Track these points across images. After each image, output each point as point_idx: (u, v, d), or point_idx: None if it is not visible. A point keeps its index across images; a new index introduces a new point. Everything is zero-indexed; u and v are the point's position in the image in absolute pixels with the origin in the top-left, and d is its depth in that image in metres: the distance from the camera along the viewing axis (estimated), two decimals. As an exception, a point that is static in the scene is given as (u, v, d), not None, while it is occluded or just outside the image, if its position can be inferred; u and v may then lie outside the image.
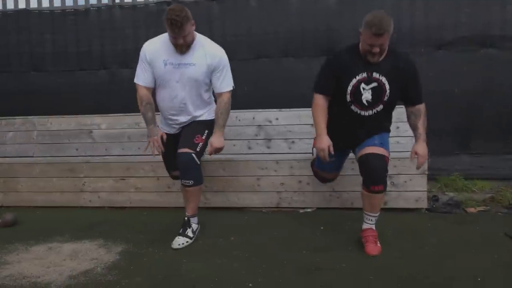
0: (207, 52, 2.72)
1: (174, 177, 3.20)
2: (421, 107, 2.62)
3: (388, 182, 3.32)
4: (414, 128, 2.65)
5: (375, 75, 2.47)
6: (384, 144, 2.60)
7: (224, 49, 4.57)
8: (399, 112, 3.82)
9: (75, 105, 4.74)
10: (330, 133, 2.58)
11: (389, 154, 2.62)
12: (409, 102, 2.64)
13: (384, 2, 4.33)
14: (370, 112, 2.56)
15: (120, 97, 4.69)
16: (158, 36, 2.82)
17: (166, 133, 2.92)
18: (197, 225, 2.86)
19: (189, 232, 2.77)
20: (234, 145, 4.09)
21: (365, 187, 2.54)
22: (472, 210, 3.39)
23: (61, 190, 3.82)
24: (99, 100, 4.75)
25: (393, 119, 3.82)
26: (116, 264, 2.42)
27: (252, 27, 4.52)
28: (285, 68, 4.41)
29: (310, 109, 2.67)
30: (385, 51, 2.44)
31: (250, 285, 2.08)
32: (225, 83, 2.79)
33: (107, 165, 3.78)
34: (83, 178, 3.79)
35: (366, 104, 2.53)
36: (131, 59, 4.69)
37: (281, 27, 4.48)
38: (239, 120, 4.12)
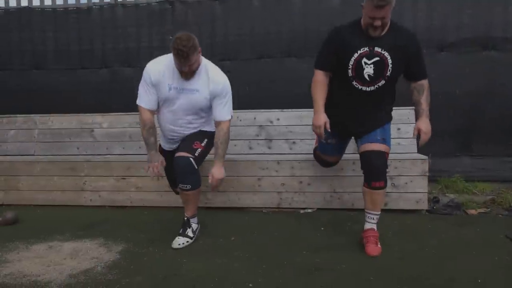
0: (211, 78, 2.68)
1: (178, 193, 3.11)
2: (424, 82, 2.57)
3: (389, 183, 3.34)
4: (416, 103, 2.60)
5: (377, 49, 2.44)
6: (386, 139, 2.59)
7: (227, 49, 4.61)
8: (400, 113, 3.85)
9: (77, 103, 4.75)
10: (332, 113, 2.58)
11: (390, 146, 2.62)
12: (412, 77, 2.59)
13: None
14: (372, 88, 2.52)
15: (122, 96, 4.70)
16: (162, 57, 2.74)
17: (167, 150, 2.97)
18: (197, 225, 2.86)
19: (189, 232, 2.77)
20: (235, 145, 4.09)
21: (367, 183, 2.57)
22: (472, 212, 3.40)
23: (62, 189, 3.82)
24: (100, 99, 4.75)
25: (395, 121, 3.83)
26: (116, 263, 2.42)
27: (254, 27, 4.52)
28: (288, 68, 4.41)
29: (312, 110, 2.66)
30: (387, 25, 2.40)
31: (251, 285, 2.08)
32: (225, 111, 2.74)
33: (108, 164, 3.78)
34: (84, 177, 3.79)
35: (368, 79, 2.49)
36: (133, 58, 4.72)
37: (284, 27, 4.48)
38: (240, 120, 4.12)
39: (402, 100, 4.09)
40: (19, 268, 2.36)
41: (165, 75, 2.66)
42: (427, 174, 3.37)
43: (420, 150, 3.80)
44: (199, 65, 2.64)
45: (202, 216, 3.01)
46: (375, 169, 2.51)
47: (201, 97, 2.69)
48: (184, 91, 2.68)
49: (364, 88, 2.52)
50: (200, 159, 2.77)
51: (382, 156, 2.52)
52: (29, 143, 4.49)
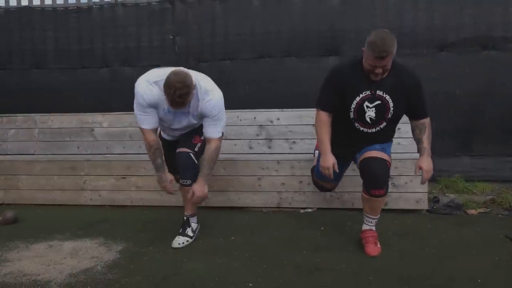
0: (201, 101, 2.58)
1: (178, 180, 3.08)
2: (426, 121, 2.55)
3: (389, 183, 3.33)
4: (418, 142, 2.59)
5: (379, 92, 2.42)
6: (386, 150, 2.56)
7: (227, 48, 4.59)
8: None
9: (77, 103, 4.74)
10: (333, 144, 2.55)
11: (391, 160, 2.59)
12: (414, 116, 2.57)
13: (387, 2, 4.33)
14: (374, 130, 2.53)
15: (122, 95, 4.67)
16: (153, 80, 2.55)
17: (166, 139, 2.98)
18: (196, 224, 2.86)
19: (189, 231, 2.77)
20: (235, 144, 4.09)
21: (366, 190, 2.52)
22: (472, 212, 3.39)
23: (62, 188, 3.82)
24: (100, 98, 4.75)
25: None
26: (116, 262, 2.42)
27: (255, 27, 4.51)
28: (288, 68, 4.40)
29: (312, 109, 2.67)
30: (387, 71, 2.38)
31: (251, 285, 2.08)
32: (215, 130, 2.64)
33: (108, 163, 3.78)
34: (84, 177, 3.79)
35: (369, 122, 2.50)
36: (133, 58, 4.72)
37: (284, 26, 4.47)
38: (240, 119, 4.12)
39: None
40: (19, 267, 2.36)
41: (160, 100, 2.54)
42: (427, 174, 3.37)
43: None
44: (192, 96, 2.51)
45: (202, 216, 3.01)
46: (374, 176, 2.46)
47: (194, 117, 2.69)
48: (177, 113, 2.64)
49: (365, 130, 2.54)
50: (200, 153, 2.75)
51: (383, 164, 2.46)
52: (29, 143, 4.49)
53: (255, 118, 4.13)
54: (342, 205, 3.44)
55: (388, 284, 2.07)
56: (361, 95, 2.44)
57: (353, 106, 2.46)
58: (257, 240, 2.79)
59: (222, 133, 2.70)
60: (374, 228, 2.63)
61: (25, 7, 4.94)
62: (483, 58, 4.22)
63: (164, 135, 3.03)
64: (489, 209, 3.46)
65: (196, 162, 2.73)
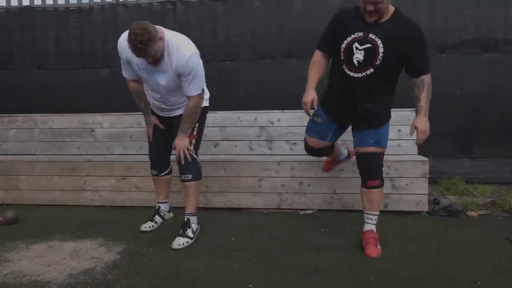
0: (174, 59, 2.56)
1: (155, 174, 3.09)
2: (426, 78, 2.45)
3: (390, 185, 3.36)
4: (416, 100, 2.48)
5: (371, 36, 2.37)
6: (380, 141, 2.58)
7: (228, 49, 4.59)
8: (401, 115, 3.86)
9: (77, 103, 4.75)
10: (329, 96, 2.68)
11: (386, 146, 2.62)
12: (412, 72, 2.47)
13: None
14: (360, 75, 2.45)
15: (123, 95, 4.64)
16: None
17: (159, 115, 2.98)
18: (197, 225, 2.87)
19: (189, 232, 2.78)
20: (235, 145, 4.10)
21: (363, 183, 2.64)
22: (473, 214, 3.39)
23: (62, 189, 3.82)
24: (101, 99, 4.75)
25: (395, 122, 3.85)
26: (116, 263, 2.42)
27: (256, 28, 4.52)
28: (289, 69, 4.39)
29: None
30: (382, 11, 2.32)
31: (251, 286, 2.08)
32: (192, 87, 2.62)
33: (108, 164, 3.79)
34: (84, 177, 3.79)
35: (356, 65, 2.43)
36: (134, 58, 4.71)
37: (285, 27, 4.48)
38: (241, 121, 4.12)
39: (402, 102, 4.12)
40: (19, 268, 2.37)
41: (133, 55, 2.51)
42: (428, 175, 3.37)
43: (421, 151, 3.81)
44: (162, 52, 2.53)
45: (202, 217, 3.01)
46: (369, 169, 2.58)
47: (170, 78, 2.64)
48: (153, 73, 2.64)
49: (352, 74, 2.47)
50: (197, 146, 2.85)
51: (376, 156, 2.57)
52: (30, 143, 4.49)
53: (255, 119, 4.13)
54: (342, 206, 3.44)
55: (388, 285, 2.07)
56: (352, 36, 2.41)
57: (343, 46, 2.45)
58: (257, 241, 2.79)
59: (202, 89, 2.70)
60: (374, 229, 2.64)
61: (26, 7, 4.94)
62: (484, 60, 4.23)
63: (155, 110, 3.00)
64: (489, 211, 3.46)
65: (195, 157, 2.80)
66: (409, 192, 3.38)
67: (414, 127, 2.46)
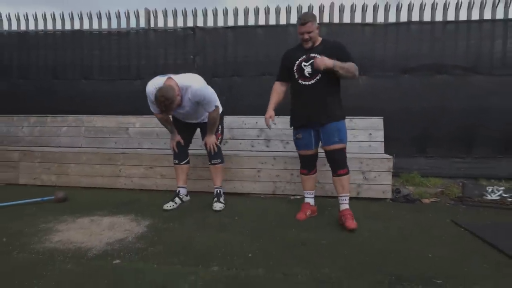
0: (190, 96, 2.77)
1: (175, 154, 3.13)
2: (351, 63, 2.59)
3: (362, 177, 3.35)
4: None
5: (312, 54, 2.62)
6: (343, 139, 2.65)
7: (235, 68, 4.58)
8: (372, 122, 3.83)
9: (115, 107, 4.73)
10: (294, 111, 2.80)
11: (346, 141, 2.70)
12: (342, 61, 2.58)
13: (363, 35, 4.33)
14: (313, 81, 2.64)
15: (151, 102, 4.68)
16: (155, 87, 2.77)
17: (181, 121, 3.10)
18: (222, 196, 3.12)
19: (222, 199, 3.02)
20: (240, 143, 4.08)
21: (333, 173, 2.70)
22: (426, 201, 3.38)
23: (102, 175, 3.80)
24: (134, 104, 4.72)
25: (367, 128, 3.84)
26: (144, 234, 2.40)
27: (258, 51, 4.50)
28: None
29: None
30: (315, 39, 2.62)
31: (250, 255, 2.07)
32: (209, 107, 2.85)
33: (139, 156, 3.76)
34: (119, 166, 3.77)
35: (307, 75, 2.64)
36: (161, 72, 4.62)
37: (281, 51, 4.32)
38: (245, 124, 4.10)
39: (372, 113, 4.12)
40: (67, 236, 2.35)
41: None
42: (392, 170, 3.36)
43: (387, 151, 3.80)
44: (180, 99, 2.75)
45: (212, 200, 2.99)
46: (337, 162, 2.66)
47: (192, 106, 2.85)
48: (180, 108, 2.83)
49: (306, 83, 2.65)
50: (221, 140, 3.15)
51: (341, 151, 2.66)
52: (77, 138, 4.47)
53: (256, 122, 4.11)
54: (324, 193, 3.42)
55: (359, 256, 2.05)
56: (299, 59, 2.67)
57: (294, 68, 2.69)
58: (256, 220, 2.76)
59: (216, 106, 2.89)
60: (348, 207, 2.66)
61: (77, 30, 4.93)
62: (437, 80, 4.24)
63: (178, 117, 3.12)
64: (439, 199, 3.46)
65: (220, 147, 3.09)
66: (377, 183, 3.36)
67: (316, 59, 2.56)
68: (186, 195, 3.19)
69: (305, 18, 2.58)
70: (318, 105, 2.64)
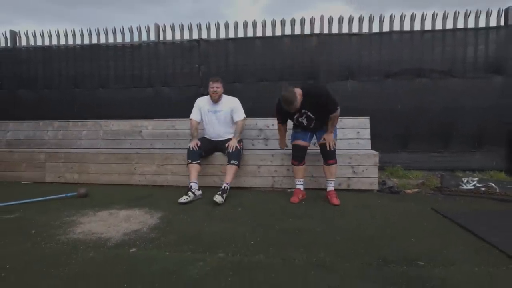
0: (227, 101, 3.42)
1: (189, 155, 3.29)
2: (334, 115, 2.85)
3: (351, 171, 3.33)
4: (327, 125, 2.93)
5: (303, 111, 2.86)
6: (334, 133, 2.99)
7: (235, 75, 4.59)
8: (359, 121, 3.82)
9: (130, 112, 4.73)
10: (299, 132, 3.04)
11: (337, 137, 3.08)
12: (328, 113, 2.86)
13: (351, 44, 4.32)
14: (311, 126, 2.96)
15: (162, 107, 4.69)
16: (201, 97, 3.56)
17: (207, 138, 3.51)
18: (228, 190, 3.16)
19: (225, 195, 3.01)
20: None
21: (324, 162, 3.01)
22: (409, 191, 3.37)
23: (118, 173, 3.79)
24: (146, 109, 4.73)
25: (355, 127, 3.82)
26: (157, 225, 2.39)
27: (256, 60, 4.50)
28: (280, 89, 4.35)
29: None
30: (299, 105, 2.76)
31: (252, 242, 2.06)
32: (238, 115, 3.42)
33: (151, 155, 3.75)
34: (134, 164, 3.76)
35: (305, 124, 2.95)
36: (170, 80, 4.71)
37: (277, 60, 4.46)
38: (246, 124, 4.08)
39: (361, 114, 4.10)
40: (89, 228, 2.34)
41: (204, 105, 3.46)
42: (378, 164, 3.35)
43: (373, 147, 3.79)
44: (221, 95, 3.41)
45: (216, 193, 2.99)
46: (329, 153, 2.95)
47: (224, 111, 3.38)
48: (213, 111, 3.37)
49: (307, 126, 2.97)
50: (241, 151, 3.38)
51: (330, 151, 2.95)
52: (96, 140, 4.46)
53: (256, 124, 4.10)
54: (318, 186, 3.42)
55: (349, 241, 2.05)
56: (295, 116, 2.93)
57: (294, 121, 2.99)
58: (257, 211, 2.76)
59: (245, 117, 3.47)
60: (333, 189, 3.01)
61: (94, 44, 4.92)
62: (416, 83, 4.23)
63: (208, 134, 3.51)
64: (420, 190, 3.45)
65: (240, 156, 3.31)
66: (365, 176, 3.35)
67: (323, 138, 2.95)
68: (198, 189, 3.15)
69: (294, 104, 2.70)
70: (318, 129, 3.03)
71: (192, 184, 3.13)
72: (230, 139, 3.41)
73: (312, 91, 2.82)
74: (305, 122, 2.92)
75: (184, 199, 2.98)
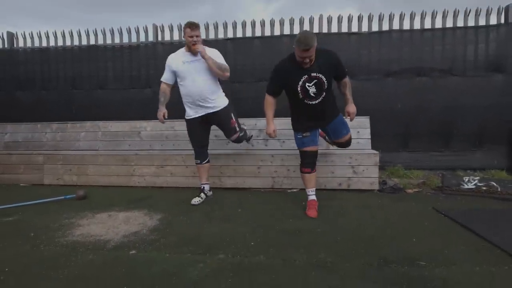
0: (209, 50, 2.86)
1: (196, 155, 3.08)
2: (346, 80, 2.59)
3: (352, 170, 3.33)
4: (343, 94, 2.62)
5: (313, 74, 2.42)
6: (348, 129, 2.79)
7: (234, 75, 4.56)
8: (359, 121, 3.82)
9: (128, 113, 4.72)
10: (299, 120, 2.64)
11: (349, 129, 2.82)
12: (338, 78, 2.58)
13: (350, 43, 4.32)
14: (319, 100, 2.52)
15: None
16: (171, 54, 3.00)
17: (193, 118, 2.97)
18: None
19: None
20: (241, 143, 4.05)
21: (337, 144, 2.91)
22: (410, 191, 3.37)
23: (117, 174, 3.79)
24: (145, 110, 4.72)
25: (355, 127, 3.83)
26: (156, 227, 2.40)
27: (255, 60, 4.50)
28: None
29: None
30: (312, 58, 2.36)
31: (252, 243, 2.06)
32: (220, 61, 2.88)
33: (150, 156, 3.75)
34: (133, 166, 3.77)
35: (313, 95, 2.49)
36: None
37: (275, 59, 4.33)
38: (246, 125, 4.05)
39: (361, 112, 4.08)
40: (88, 230, 2.34)
41: (178, 66, 2.85)
42: (378, 164, 3.35)
43: (373, 147, 3.79)
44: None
45: (217, 194, 2.99)
46: (347, 145, 2.87)
47: (203, 62, 2.81)
48: (193, 61, 2.82)
49: (312, 103, 2.52)
50: (239, 123, 3.10)
51: (350, 139, 2.85)
52: (95, 141, 4.46)
53: (256, 124, 4.10)
54: (317, 186, 3.36)
55: (350, 241, 2.05)
56: (301, 80, 2.44)
57: (299, 89, 2.47)
58: (257, 211, 2.76)
59: (228, 68, 2.91)
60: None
61: (92, 45, 4.92)
62: (416, 82, 4.23)
63: (190, 113, 2.98)
64: (421, 189, 3.44)
65: (241, 134, 3.11)
66: (365, 176, 3.36)
67: (347, 112, 2.61)
68: (209, 190, 3.16)
69: (308, 43, 2.23)
70: (323, 116, 2.63)
71: (204, 185, 3.11)
72: (221, 109, 2.90)
73: (322, 49, 2.44)
74: (312, 91, 2.44)
75: (196, 200, 2.97)
